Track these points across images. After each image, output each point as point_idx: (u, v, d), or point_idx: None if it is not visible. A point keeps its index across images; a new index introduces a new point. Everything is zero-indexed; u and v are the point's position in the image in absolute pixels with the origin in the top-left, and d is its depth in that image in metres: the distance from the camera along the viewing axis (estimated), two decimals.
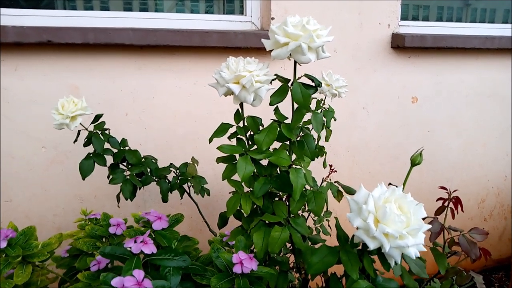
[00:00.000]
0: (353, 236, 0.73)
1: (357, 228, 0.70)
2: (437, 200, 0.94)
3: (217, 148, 0.89)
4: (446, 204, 0.91)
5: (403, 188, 0.76)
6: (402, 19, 1.85)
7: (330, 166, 1.38)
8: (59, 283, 0.96)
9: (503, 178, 2.20)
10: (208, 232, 1.37)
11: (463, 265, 2.23)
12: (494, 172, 2.17)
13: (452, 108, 1.98)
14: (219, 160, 0.94)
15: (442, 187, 0.95)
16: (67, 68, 1.42)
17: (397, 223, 0.65)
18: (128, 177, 1.09)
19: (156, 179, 1.16)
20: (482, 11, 2.11)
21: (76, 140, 1.13)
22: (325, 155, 1.22)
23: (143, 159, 1.14)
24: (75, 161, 1.49)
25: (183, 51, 1.52)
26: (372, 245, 0.67)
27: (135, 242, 0.80)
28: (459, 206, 0.89)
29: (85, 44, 1.37)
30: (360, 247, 0.77)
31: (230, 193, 1.11)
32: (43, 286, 0.92)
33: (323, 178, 1.34)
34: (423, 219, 0.71)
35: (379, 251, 0.71)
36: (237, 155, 0.90)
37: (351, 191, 1.05)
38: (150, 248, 0.79)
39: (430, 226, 0.70)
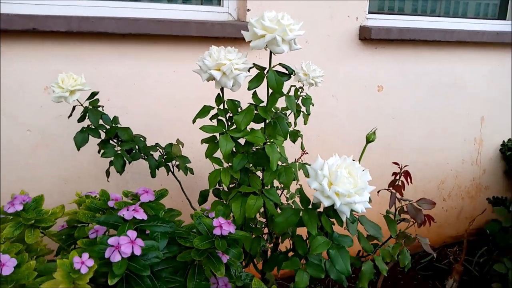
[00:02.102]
0: (313, 199, 0.86)
1: (315, 190, 0.83)
2: (392, 175, 1.08)
3: (200, 128, 0.99)
4: (397, 177, 1.04)
5: (360, 160, 0.89)
6: (372, 12, 1.98)
7: (304, 149, 1.50)
8: (57, 250, 1.05)
9: (461, 162, 2.38)
10: (188, 211, 1.46)
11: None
12: (452, 156, 2.35)
13: (415, 97, 2.13)
14: (204, 141, 1.04)
15: (395, 163, 1.08)
16: (51, 55, 1.48)
17: (346, 184, 0.79)
18: (119, 152, 1.18)
19: (144, 156, 1.25)
20: (446, 4, 2.23)
21: (71, 115, 1.21)
22: (302, 139, 1.34)
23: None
24: (60, 144, 1.57)
25: (163, 40, 1.60)
26: (326, 203, 0.81)
27: (128, 210, 0.90)
28: (408, 178, 1.03)
29: (69, 32, 1.43)
30: (320, 210, 0.90)
31: (209, 173, 1.22)
32: (42, 254, 1.01)
33: (295, 159, 1.46)
34: (377, 190, 0.84)
35: (334, 210, 0.85)
36: (217, 135, 1.01)
37: None
38: (141, 215, 0.89)
39: (374, 187, 0.85)
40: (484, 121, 2.35)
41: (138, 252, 0.81)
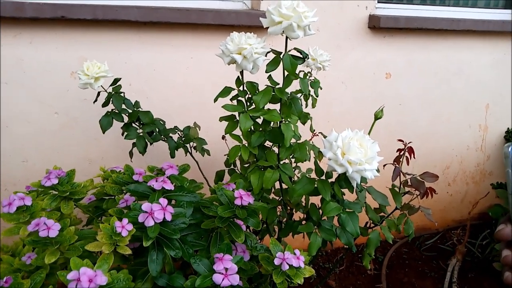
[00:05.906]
0: (327, 167, 0.96)
1: (329, 159, 0.92)
2: (396, 151, 1.17)
3: (222, 106, 1.08)
4: (402, 153, 1.13)
5: (369, 135, 0.97)
6: (381, 1, 2.04)
7: (313, 131, 1.58)
8: (87, 221, 1.15)
9: (466, 148, 2.45)
10: (205, 189, 1.57)
11: (429, 225, 2.48)
12: (458, 142, 2.42)
13: (422, 84, 2.20)
14: (222, 118, 1.13)
15: (400, 140, 1.17)
16: (77, 42, 1.57)
17: (358, 154, 0.89)
18: (141, 134, 1.27)
19: (164, 138, 1.34)
20: None
21: (96, 100, 1.30)
22: (311, 121, 1.42)
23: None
24: (85, 126, 1.67)
25: (181, 28, 1.68)
26: (339, 170, 0.90)
27: (156, 181, 0.99)
28: (412, 154, 1.11)
29: (94, 20, 1.52)
30: (332, 180, 0.99)
31: (225, 155, 1.30)
32: (74, 224, 1.11)
33: (306, 140, 1.54)
34: (384, 164, 0.93)
35: (345, 179, 0.94)
36: (236, 114, 1.10)
37: None
38: (169, 186, 0.99)
39: (382, 158, 0.93)
40: (488, 108, 2.41)
41: (169, 218, 0.91)
